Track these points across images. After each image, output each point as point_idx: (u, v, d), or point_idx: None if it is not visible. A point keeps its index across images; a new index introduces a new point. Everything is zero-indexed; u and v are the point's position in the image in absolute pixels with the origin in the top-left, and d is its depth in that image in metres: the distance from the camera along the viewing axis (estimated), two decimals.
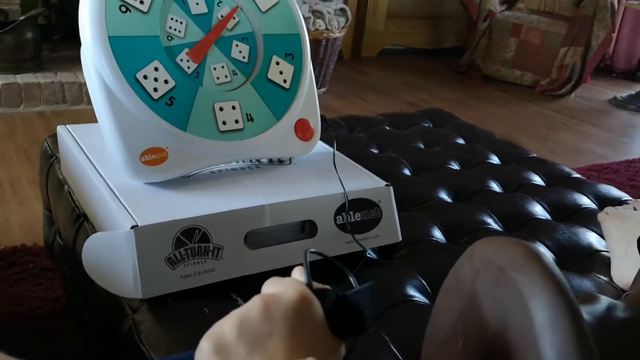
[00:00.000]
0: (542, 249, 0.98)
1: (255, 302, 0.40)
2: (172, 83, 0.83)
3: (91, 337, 0.99)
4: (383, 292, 0.82)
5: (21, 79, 2.56)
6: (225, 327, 0.39)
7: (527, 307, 0.42)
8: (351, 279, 0.47)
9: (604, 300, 0.56)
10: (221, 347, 0.39)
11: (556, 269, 0.42)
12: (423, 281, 0.86)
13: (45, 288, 1.41)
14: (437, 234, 1.00)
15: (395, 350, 0.72)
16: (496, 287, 0.46)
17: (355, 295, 0.45)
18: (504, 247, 0.46)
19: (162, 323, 0.74)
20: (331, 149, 0.99)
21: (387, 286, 0.83)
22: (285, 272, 0.82)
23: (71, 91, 2.60)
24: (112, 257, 0.74)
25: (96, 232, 0.86)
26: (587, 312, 0.53)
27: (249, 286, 0.68)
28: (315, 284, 0.46)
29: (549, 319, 0.40)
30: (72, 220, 0.95)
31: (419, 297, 0.83)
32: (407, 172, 1.24)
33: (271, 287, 0.44)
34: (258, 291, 0.46)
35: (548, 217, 1.12)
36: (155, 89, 0.82)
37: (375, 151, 1.34)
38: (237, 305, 0.78)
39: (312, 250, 0.47)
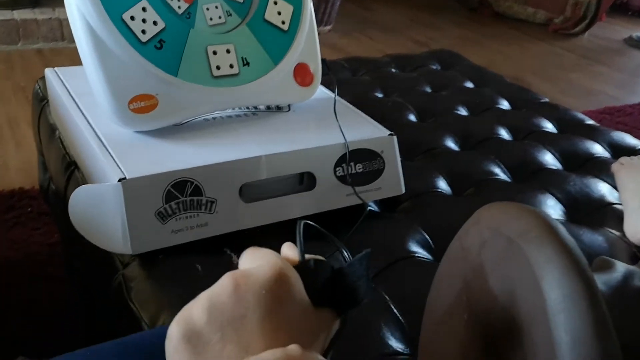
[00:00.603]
0: (553, 202, 0.93)
1: (225, 281, 0.36)
2: (161, 24, 0.77)
3: (80, 288, 0.96)
4: (384, 248, 0.78)
5: (18, 14, 2.48)
6: (195, 310, 0.36)
7: (539, 284, 0.38)
8: (345, 254, 0.43)
9: (620, 268, 0.52)
10: (191, 333, 0.35)
11: (573, 243, 0.38)
12: (427, 236, 0.82)
13: (43, 233, 1.39)
14: (442, 184, 0.95)
15: (395, 310, 0.69)
16: (505, 260, 0.42)
17: (352, 267, 0.41)
18: (515, 215, 0.42)
19: (152, 279, 0.71)
20: (332, 94, 0.94)
21: (388, 241, 0.80)
22: (282, 226, 0.80)
23: (70, 28, 2.52)
24: (100, 210, 0.71)
25: (86, 182, 0.83)
26: (602, 282, 0.50)
27: (244, 241, 0.65)
28: (308, 256, 0.42)
29: (563, 300, 0.36)
30: (63, 168, 0.92)
31: (422, 253, 0.79)
32: (412, 117, 1.19)
33: (247, 261, 0.40)
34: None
35: (559, 166, 1.07)
36: (143, 31, 0.76)
37: (380, 95, 1.28)
38: (231, 261, 0.75)
39: (306, 222, 0.43)
